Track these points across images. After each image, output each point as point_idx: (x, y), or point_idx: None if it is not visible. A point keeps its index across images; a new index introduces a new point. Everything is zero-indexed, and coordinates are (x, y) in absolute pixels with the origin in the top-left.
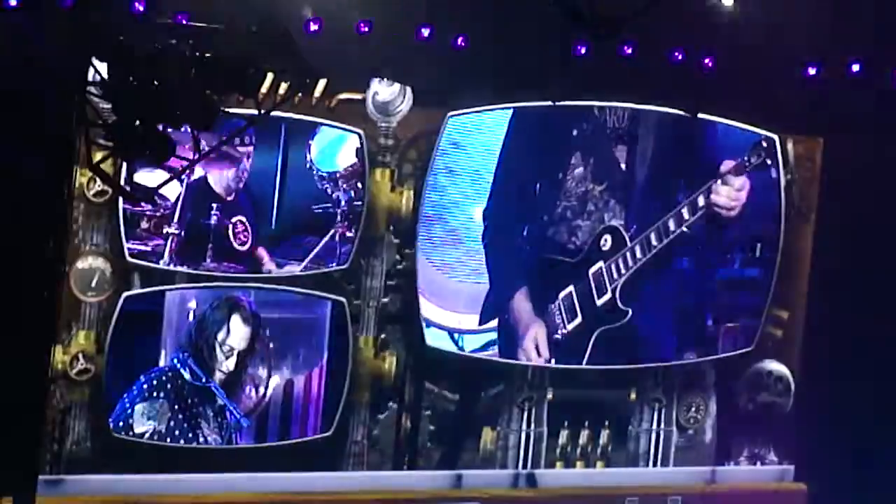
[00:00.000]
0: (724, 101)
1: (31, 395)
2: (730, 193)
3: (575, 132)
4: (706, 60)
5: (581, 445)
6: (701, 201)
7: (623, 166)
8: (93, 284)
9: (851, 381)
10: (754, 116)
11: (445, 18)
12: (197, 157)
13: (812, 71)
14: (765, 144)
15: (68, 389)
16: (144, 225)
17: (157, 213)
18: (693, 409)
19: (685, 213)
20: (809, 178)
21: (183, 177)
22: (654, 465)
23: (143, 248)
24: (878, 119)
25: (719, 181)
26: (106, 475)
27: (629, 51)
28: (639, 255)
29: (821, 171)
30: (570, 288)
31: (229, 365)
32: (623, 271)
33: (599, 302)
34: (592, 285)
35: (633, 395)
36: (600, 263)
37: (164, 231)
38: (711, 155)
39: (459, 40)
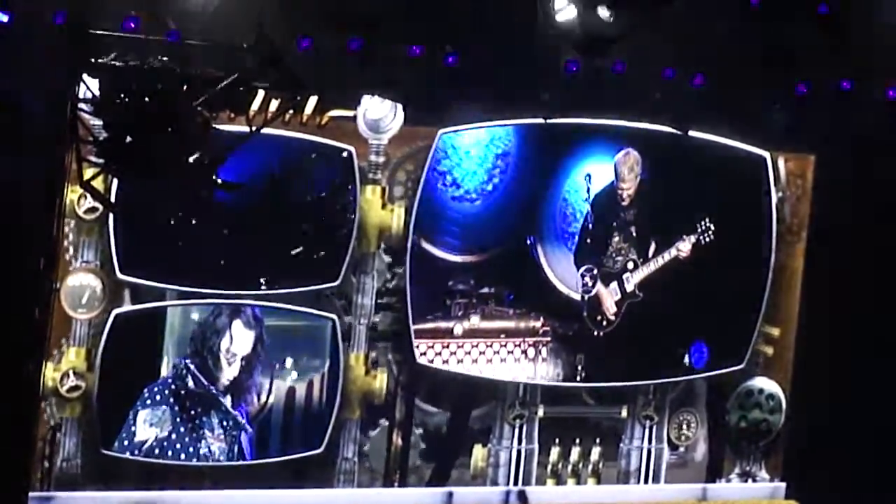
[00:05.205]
0: (714, 119)
1: (21, 412)
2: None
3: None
4: (696, 78)
5: (572, 462)
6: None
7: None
8: (83, 301)
9: (843, 399)
10: (745, 134)
11: (437, 36)
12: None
13: (803, 88)
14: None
15: (59, 406)
16: None
17: None
18: (684, 426)
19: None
20: (800, 195)
21: None
22: (646, 482)
23: None
24: (869, 136)
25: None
26: (96, 492)
27: (620, 68)
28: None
29: (812, 188)
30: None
31: (233, 371)
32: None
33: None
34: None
35: (624, 412)
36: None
37: None
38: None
39: (450, 58)
